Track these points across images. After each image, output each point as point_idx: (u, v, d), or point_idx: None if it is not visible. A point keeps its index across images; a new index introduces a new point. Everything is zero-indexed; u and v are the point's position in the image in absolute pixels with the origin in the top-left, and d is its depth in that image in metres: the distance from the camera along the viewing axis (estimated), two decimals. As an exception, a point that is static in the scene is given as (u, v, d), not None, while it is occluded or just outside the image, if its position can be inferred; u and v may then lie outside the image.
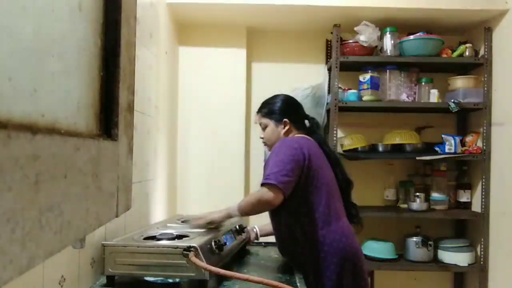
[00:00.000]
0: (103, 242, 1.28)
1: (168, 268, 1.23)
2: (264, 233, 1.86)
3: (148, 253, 1.25)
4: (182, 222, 1.71)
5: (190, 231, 1.48)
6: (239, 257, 1.67)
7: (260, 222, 1.90)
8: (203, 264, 1.14)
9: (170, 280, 1.33)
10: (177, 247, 1.21)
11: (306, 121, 1.76)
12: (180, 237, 1.39)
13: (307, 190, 1.52)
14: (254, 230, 1.86)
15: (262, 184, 1.47)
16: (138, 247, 1.27)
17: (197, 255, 1.18)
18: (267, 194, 1.44)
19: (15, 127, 0.30)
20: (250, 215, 1.65)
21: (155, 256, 1.24)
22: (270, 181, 1.44)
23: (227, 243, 1.45)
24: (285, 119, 1.69)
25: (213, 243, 1.34)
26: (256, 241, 1.87)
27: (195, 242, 1.24)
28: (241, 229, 1.69)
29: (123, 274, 1.30)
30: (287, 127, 1.68)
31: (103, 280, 1.31)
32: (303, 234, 1.53)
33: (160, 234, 1.40)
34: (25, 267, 0.31)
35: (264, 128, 1.72)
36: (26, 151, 0.30)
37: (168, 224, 1.65)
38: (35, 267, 0.33)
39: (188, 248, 1.18)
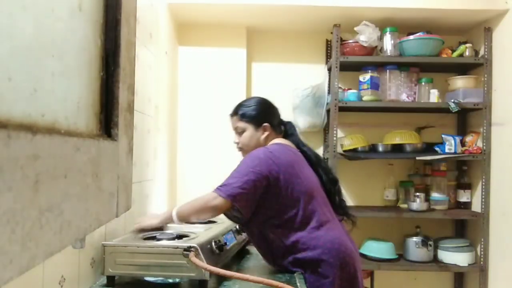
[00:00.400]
0: (103, 242, 1.28)
1: (168, 268, 1.23)
2: None
3: (148, 253, 1.25)
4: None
5: (191, 231, 1.47)
6: (239, 257, 1.67)
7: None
8: (203, 264, 1.14)
9: (170, 280, 1.33)
10: (177, 247, 1.21)
11: (282, 126, 1.67)
12: (180, 237, 1.39)
13: (278, 201, 1.44)
14: None
15: (215, 190, 1.41)
16: (138, 247, 1.27)
17: (197, 255, 1.18)
18: (215, 200, 1.38)
19: (15, 127, 0.30)
20: (191, 220, 1.49)
21: (155, 256, 1.24)
22: (220, 192, 1.38)
23: (227, 243, 1.45)
24: (265, 124, 1.59)
25: (213, 243, 1.33)
26: None
27: (195, 242, 1.24)
28: (241, 229, 1.69)
29: (123, 274, 1.30)
30: (267, 132, 1.59)
31: (103, 280, 1.31)
32: (282, 246, 1.45)
33: (160, 234, 1.40)
34: (25, 267, 0.31)
35: (241, 132, 1.60)
36: (26, 151, 0.30)
37: (168, 224, 1.65)
38: (35, 267, 0.33)
39: (188, 248, 1.18)
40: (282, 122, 1.68)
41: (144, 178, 1.82)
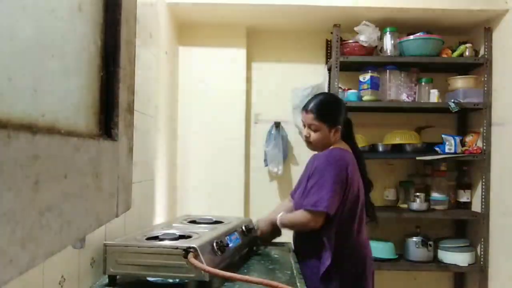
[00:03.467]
0: (104, 242, 1.28)
1: (168, 268, 1.23)
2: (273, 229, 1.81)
3: (148, 253, 1.25)
4: (189, 222, 1.71)
5: (194, 231, 1.47)
6: (247, 257, 1.67)
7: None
8: (201, 265, 1.13)
9: (170, 280, 1.33)
10: (177, 248, 1.21)
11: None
12: (183, 237, 1.39)
13: (344, 207, 1.57)
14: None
15: (309, 209, 1.53)
16: (138, 247, 1.27)
17: (196, 256, 1.17)
18: (313, 222, 1.53)
19: (15, 127, 0.30)
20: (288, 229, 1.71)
21: (156, 256, 1.24)
22: (319, 208, 1.50)
23: (230, 244, 1.45)
24: (339, 126, 1.64)
25: (214, 244, 1.33)
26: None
27: (195, 243, 1.24)
28: (248, 231, 1.68)
29: (124, 274, 1.30)
30: (338, 134, 1.64)
31: (104, 279, 1.31)
32: (329, 243, 1.56)
33: (163, 234, 1.40)
34: (25, 267, 0.31)
35: (314, 130, 1.63)
36: (26, 151, 0.30)
37: (174, 224, 1.65)
38: (35, 267, 0.33)
39: (188, 249, 1.18)
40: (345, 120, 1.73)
41: (144, 178, 1.82)
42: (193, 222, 1.71)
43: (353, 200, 1.58)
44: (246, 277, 1.03)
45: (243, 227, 1.67)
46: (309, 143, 1.68)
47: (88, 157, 0.42)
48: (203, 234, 1.40)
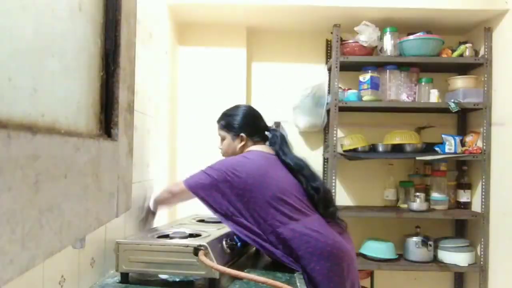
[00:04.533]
0: (117, 240, 1.31)
1: (180, 266, 1.26)
2: None
3: (160, 251, 1.28)
4: (198, 221, 1.74)
5: (204, 230, 1.49)
6: (256, 255, 1.69)
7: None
8: (211, 263, 1.16)
9: (180, 278, 1.35)
10: (187, 246, 1.24)
11: (267, 132, 1.75)
12: (193, 235, 1.41)
13: (251, 201, 1.52)
14: None
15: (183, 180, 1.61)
16: (150, 245, 1.30)
17: (206, 254, 1.20)
18: (177, 186, 1.63)
19: (15, 127, 0.30)
20: (164, 205, 1.77)
21: (167, 254, 1.27)
22: (184, 181, 1.59)
23: (239, 243, 1.48)
24: (241, 134, 1.71)
25: (224, 243, 1.36)
26: None
27: (205, 241, 1.27)
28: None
29: (136, 271, 1.33)
30: (243, 142, 1.71)
31: (116, 278, 1.34)
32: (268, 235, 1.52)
33: (174, 233, 1.43)
34: (25, 267, 0.31)
35: (222, 139, 1.77)
36: (26, 151, 0.30)
37: (183, 223, 1.68)
38: (35, 267, 0.33)
39: (199, 247, 1.21)
40: (267, 129, 1.78)
41: (144, 178, 1.82)
42: (202, 221, 1.74)
43: (266, 190, 1.52)
44: (252, 275, 1.05)
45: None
46: (223, 154, 1.80)
47: (88, 157, 0.42)
48: (212, 233, 1.43)
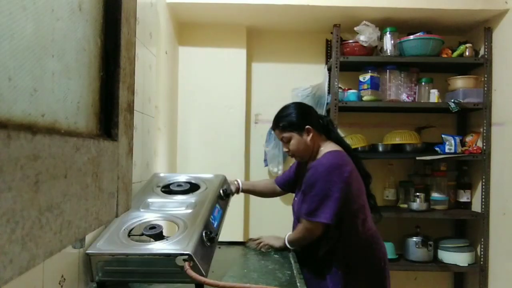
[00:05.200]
0: (87, 252, 1.17)
1: (162, 274, 1.16)
2: (245, 188, 1.88)
3: (138, 261, 1.16)
4: (164, 192, 1.55)
5: (176, 212, 1.34)
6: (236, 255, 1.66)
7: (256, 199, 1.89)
8: (201, 278, 1.06)
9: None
10: (169, 256, 1.13)
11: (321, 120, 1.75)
12: (159, 231, 1.24)
13: (348, 209, 1.59)
14: (235, 183, 1.85)
15: (309, 220, 1.57)
16: (127, 256, 1.16)
17: (192, 265, 1.10)
18: (315, 231, 1.59)
19: (15, 127, 0.30)
20: (300, 245, 1.72)
21: (146, 264, 1.16)
22: (318, 219, 1.55)
23: (216, 225, 1.37)
24: (307, 126, 1.66)
25: (204, 236, 1.23)
26: (236, 194, 1.85)
27: (188, 247, 1.13)
28: (226, 195, 1.62)
29: (114, 280, 1.20)
30: (311, 134, 1.66)
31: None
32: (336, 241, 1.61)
33: (146, 229, 1.26)
34: (25, 267, 0.31)
35: (287, 141, 1.68)
36: (26, 151, 0.30)
37: (149, 200, 1.46)
38: (35, 267, 0.33)
39: (183, 259, 1.10)
40: (320, 117, 1.76)
41: (144, 178, 1.82)
42: (168, 191, 1.55)
43: (354, 199, 1.60)
44: (248, 285, 0.97)
45: (221, 192, 1.57)
46: (293, 156, 1.73)
47: (88, 157, 0.42)
48: (187, 219, 1.29)
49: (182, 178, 1.66)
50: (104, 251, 1.17)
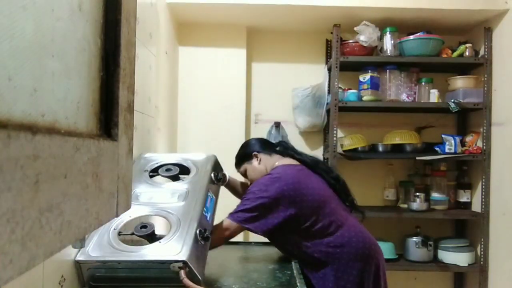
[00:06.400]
0: (77, 259, 1.13)
1: (156, 279, 1.13)
2: (231, 185, 1.87)
3: (131, 268, 1.13)
4: (151, 175, 1.47)
5: (166, 205, 1.29)
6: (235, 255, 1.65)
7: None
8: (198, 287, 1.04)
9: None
10: (163, 262, 1.09)
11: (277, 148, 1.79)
12: (150, 231, 1.19)
13: (299, 216, 1.53)
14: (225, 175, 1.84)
15: (228, 217, 1.51)
16: (119, 263, 1.12)
17: (188, 272, 1.07)
18: (228, 230, 1.49)
19: (15, 127, 0.30)
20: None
21: (140, 270, 1.13)
22: (232, 219, 1.50)
23: (210, 217, 1.34)
24: (253, 153, 1.74)
25: (198, 235, 1.19)
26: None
27: (183, 253, 1.10)
28: (217, 180, 1.57)
29: (105, 286, 1.17)
30: (259, 158, 1.73)
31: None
32: (307, 252, 1.55)
33: (136, 227, 1.22)
34: (25, 267, 0.31)
35: (244, 174, 1.78)
36: (26, 151, 0.30)
37: (137, 190, 1.38)
38: (35, 267, 0.33)
39: (178, 267, 1.07)
40: (273, 144, 1.83)
41: (144, 178, 1.82)
42: (156, 175, 1.49)
43: (313, 205, 1.54)
44: None
45: (212, 176, 1.52)
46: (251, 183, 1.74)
47: (88, 157, 0.42)
48: (179, 214, 1.23)
49: (171, 159, 1.58)
50: (94, 258, 1.13)
